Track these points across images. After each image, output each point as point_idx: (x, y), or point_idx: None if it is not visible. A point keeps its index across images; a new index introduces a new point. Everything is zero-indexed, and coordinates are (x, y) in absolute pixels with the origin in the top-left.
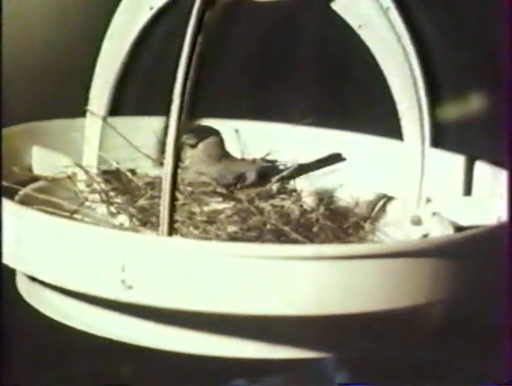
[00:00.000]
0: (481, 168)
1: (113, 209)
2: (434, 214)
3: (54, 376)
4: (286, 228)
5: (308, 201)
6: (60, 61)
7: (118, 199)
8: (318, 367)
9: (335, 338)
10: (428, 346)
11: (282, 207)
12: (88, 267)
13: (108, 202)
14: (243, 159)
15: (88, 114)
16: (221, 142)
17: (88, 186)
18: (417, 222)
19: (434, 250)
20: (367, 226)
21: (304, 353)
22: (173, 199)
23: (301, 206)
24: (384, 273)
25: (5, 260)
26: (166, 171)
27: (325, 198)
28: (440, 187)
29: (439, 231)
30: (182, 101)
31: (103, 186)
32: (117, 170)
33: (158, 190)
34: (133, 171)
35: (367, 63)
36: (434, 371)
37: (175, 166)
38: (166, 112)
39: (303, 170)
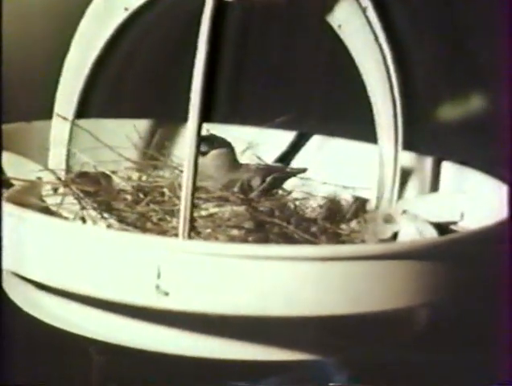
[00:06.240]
0: (448, 168)
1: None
2: (404, 211)
3: (53, 376)
4: (292, 228)
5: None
6: (60, 61)
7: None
8: (315, 369)
9: (330, 341)
10: (427, 348)
11: (283, 206)
12: (121, 274)
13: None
14: (247, 165)
15: (54, 116)
16: (232, 154)
17: (55, 190)
18: (389, 220)
19: (427, 251)
20: (358, 227)
21: (299, 355)
22: (193, 203)
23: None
24: (378, 274)
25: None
26: (186, 176)
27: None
28: (410, 187)
29: (412, 227)
30: (201, 104)
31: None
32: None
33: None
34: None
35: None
36: (433, 372)
37: (195, 172)
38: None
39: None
